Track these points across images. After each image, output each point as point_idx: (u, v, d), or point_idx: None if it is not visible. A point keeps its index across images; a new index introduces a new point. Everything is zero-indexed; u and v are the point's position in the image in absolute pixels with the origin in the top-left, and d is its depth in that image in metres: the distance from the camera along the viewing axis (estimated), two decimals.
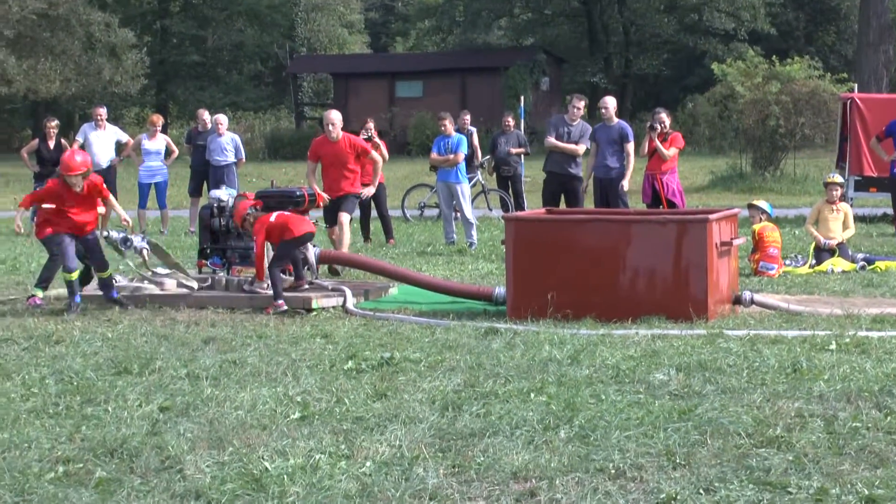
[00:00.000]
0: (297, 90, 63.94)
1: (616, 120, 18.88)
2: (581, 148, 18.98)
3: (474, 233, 20.18)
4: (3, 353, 10.36)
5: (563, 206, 18.59)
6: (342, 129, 16.04)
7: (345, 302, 13.08)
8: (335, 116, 15.31)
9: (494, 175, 25.49)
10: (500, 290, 13.11)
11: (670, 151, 18.36)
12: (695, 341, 10.60)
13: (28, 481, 6.51)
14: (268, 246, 13.32)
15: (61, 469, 6.76)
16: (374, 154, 15.66)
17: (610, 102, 19.13)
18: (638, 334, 10.98)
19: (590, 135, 18.88)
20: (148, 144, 23.84)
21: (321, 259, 14.29)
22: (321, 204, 14.60)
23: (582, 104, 19.73)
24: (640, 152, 18.72)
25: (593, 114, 36.53)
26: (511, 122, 24.90)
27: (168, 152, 24.22)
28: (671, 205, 17.95)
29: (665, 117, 18.63)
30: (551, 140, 19.29)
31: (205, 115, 24.48)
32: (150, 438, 7.39)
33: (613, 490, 6.33)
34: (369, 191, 16.12)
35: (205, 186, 23.32)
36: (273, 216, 13.26)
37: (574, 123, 19.35)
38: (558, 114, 21.45)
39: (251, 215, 13.36)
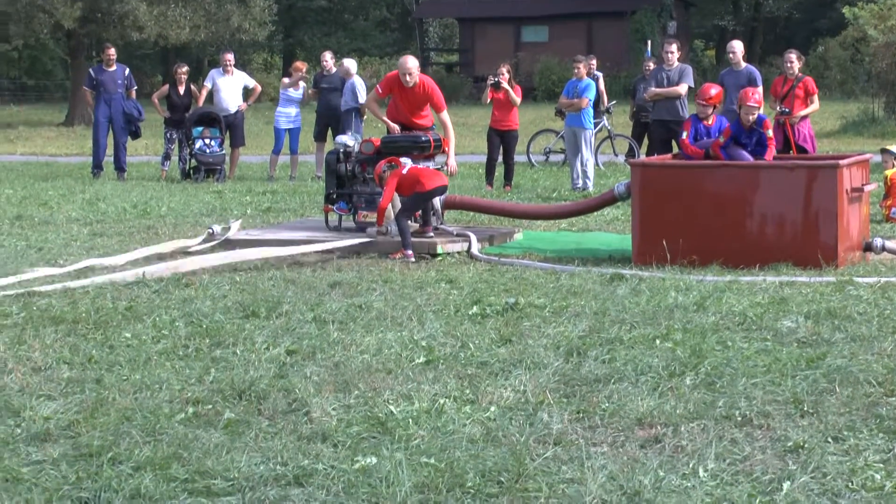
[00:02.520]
0: (422, 35, 63.99)
1: (744, 64, 18.65)
2: (682, 88, 18.87)
3: (590, 179, 20.18)
4: (135, 296, 10.51)
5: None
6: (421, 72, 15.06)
7: (470, 247, 13.10)
8: (413, 65, 14.78)
9: (633, 121, 25.24)
10: (619, 187, 13.17)
11: (813, 103, 18.09)
12: (824, 288, 10.48)
13: (159, 421, 6.62)
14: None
15: (191, 410, 6.86)
16: (446, 117, 14.93)
17: (737, 46, 18.90)
18: (765, 281, 10.88)
19: (718, 80, 18.68)
20: (292, 91, 24.05)
21: (447, 204, 14.30)
22: (446, 149, 14.53)
23: (674, 47, 19.61)
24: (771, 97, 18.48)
25: (722, 58, 36.06)
26: (651, 66, 24.32)
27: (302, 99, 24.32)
28: (801, 150, 17.69)
29: (795, 59, 18.31)
30: (652, 90, 19.28)
31: (327, 56, 24.51)
32: (277, 381, 7.48)
33: (739, 437, 6.29)
34: (451, 164, 14.42)
35: (329, 131, 23.44)
36: (406, 168, 13.29)
37: (671, 67, 19.22)
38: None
39: (386, 171, 13.40)
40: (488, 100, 21.39)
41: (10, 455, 6.10)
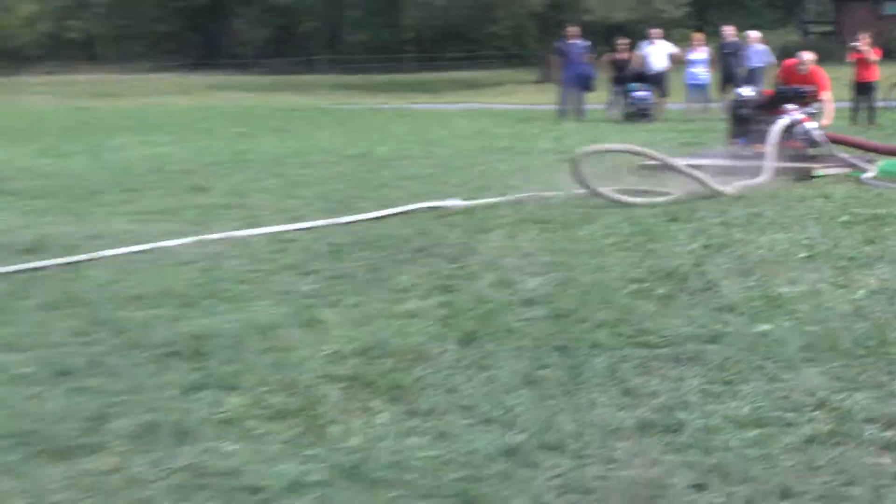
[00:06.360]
0: (801, 11, 61.08)
1: None
2: None
3: None
4: (591, 205, 10.55)
5: None
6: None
7: (863, 174, 12.21)
8: (809, 58, 14.23)
9: None
10: None
11: None
12: None
13: (611, 294, 6.72)
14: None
15: (633, 287, 6.90)
16: (826, 96, 14.12)
17: None
18: None
19: None
20: (692, 55, 24.17)
21: (830, 140, 13.41)
22: (820, 98, 13.88)
23: None
24: None
25: None
26: None
27: (710, 61, 24.06)
28: None
29: None
30: None
31: (727, 28, 24.34)
32: (695, 268, 7.40)
33: None
34: (825, 119, 13.63)
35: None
36: None
37: None
38: None
39: None
40: (851, 59, 20.78)
41: (507, 314, 6.32)
